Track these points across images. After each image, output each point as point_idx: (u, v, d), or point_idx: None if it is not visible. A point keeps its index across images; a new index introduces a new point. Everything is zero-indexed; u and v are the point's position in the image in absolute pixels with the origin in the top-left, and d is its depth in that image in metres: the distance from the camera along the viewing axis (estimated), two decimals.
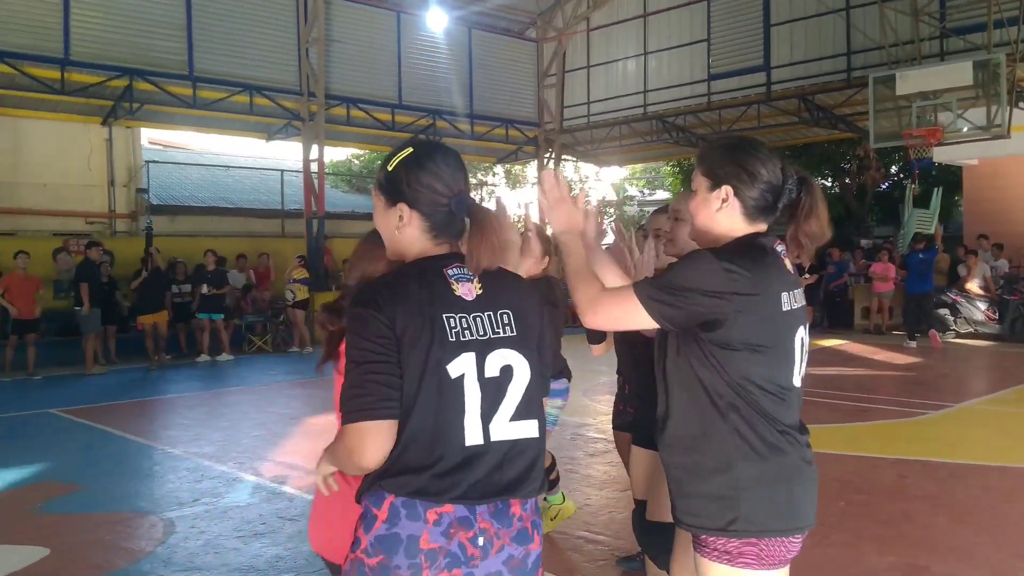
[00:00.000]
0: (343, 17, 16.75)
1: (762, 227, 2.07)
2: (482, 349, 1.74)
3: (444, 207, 1.81)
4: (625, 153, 22.24)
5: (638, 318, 1.96)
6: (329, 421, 8.38)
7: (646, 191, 33.36)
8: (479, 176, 29.55)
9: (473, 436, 1.70)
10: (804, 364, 2.04)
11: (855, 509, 5.18)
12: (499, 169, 29.09)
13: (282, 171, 19.78)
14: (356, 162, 28.87)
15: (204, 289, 13.46)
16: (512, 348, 1.78)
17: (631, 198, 31.66)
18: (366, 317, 1.67)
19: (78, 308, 11.66)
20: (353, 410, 1.65)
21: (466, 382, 1.71)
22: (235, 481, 6.06)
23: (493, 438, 1.72)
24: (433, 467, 1.67)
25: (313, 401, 9.56)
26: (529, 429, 1.77)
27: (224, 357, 13.43)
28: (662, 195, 31.28)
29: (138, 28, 14.26)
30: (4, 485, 6.06)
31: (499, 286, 1.82)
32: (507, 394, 1.76)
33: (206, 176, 20.97)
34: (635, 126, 19.57)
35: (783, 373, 1.97)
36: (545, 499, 4.74)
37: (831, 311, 17.68)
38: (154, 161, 18.41)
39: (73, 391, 10.57)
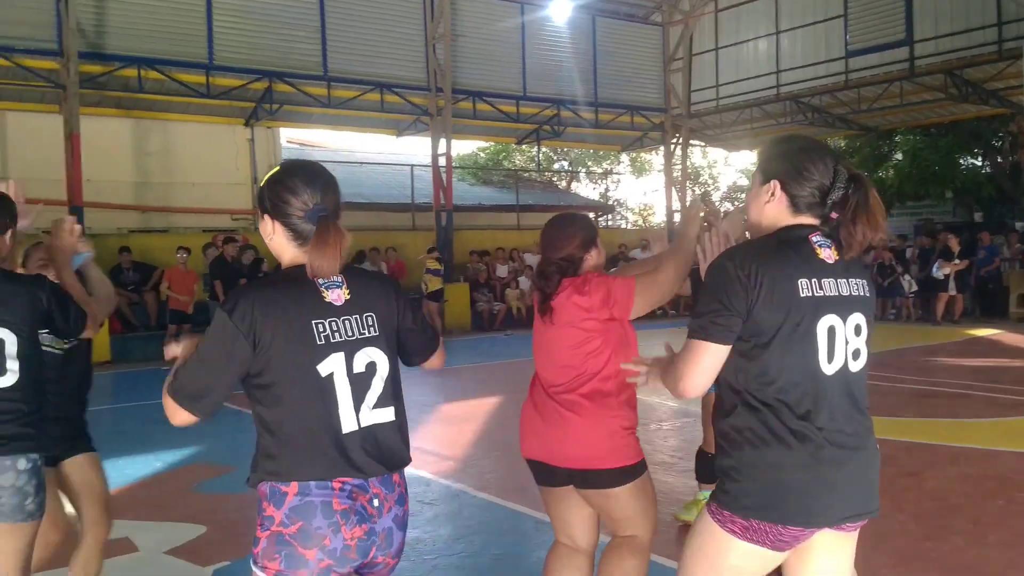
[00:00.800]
0: (468, 11, 16.96)
1: (807, 220, 2.14)
2: (350, 349, 2.00)
3: (302, 219, 2.02)
4: (756, 136, 21.54)
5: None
6: (462, 408, 8.52)
7: None
8: (604, 165, 29.37)
9: (348, 424, 1.98)
10: (845, 351, 2.04)
11: (1015, 508, 4.85)
12: (624, 157, 28.81)
13: (412, 166, 20.24)
14: (482, 155, 29.24)
15: None
16: (375, 346, 2.04)
17: None
18: (224, 323, 1.93)
19: (213, 301, 12.37)
20: (176, 390, 1.99)
21: (336, 379, 1.98)
22: None
23: (363, 424, 2.00)
24: (321, 454, 1.95)
25: (446, 389, 9.75)
26: (388, 415, 2.06)
27: None
28: None
29: (276, 32, 14.93)
30: (162, 466, 6.46)
31: (365, 289, 2.07)
32: (371, 386, 2.03)
33: (340, 172, 21.14)
34: (767, 108, 18.94)
35: (804, 359, 2.01)
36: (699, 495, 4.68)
37: (983, 299, 16.61)
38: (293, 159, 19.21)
39: None
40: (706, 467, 4.47)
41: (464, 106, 17.16)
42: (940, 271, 15.44)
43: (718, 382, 2.12)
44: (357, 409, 2.00)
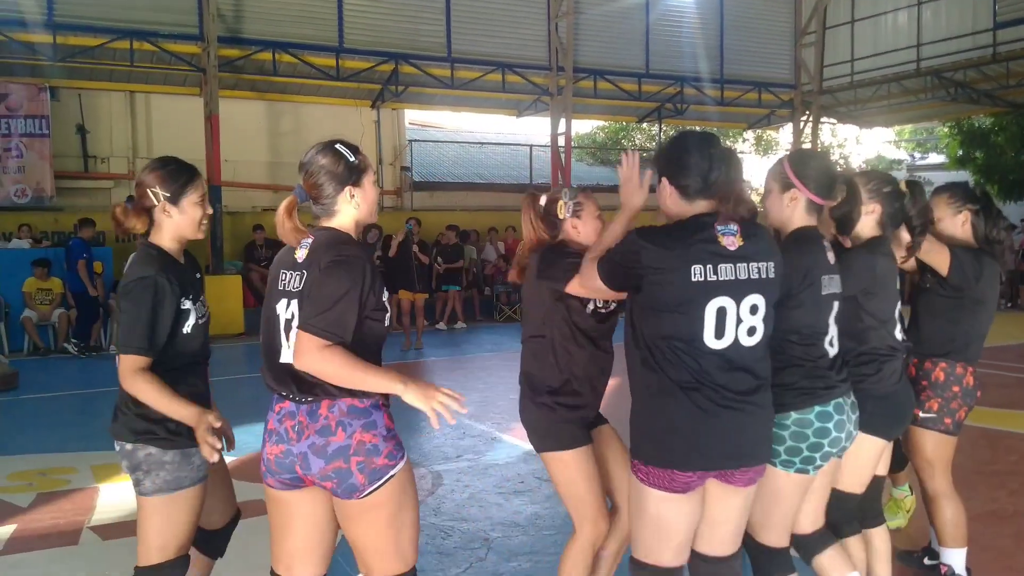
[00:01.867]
0: None
1: (704, 207, 2.41)
2: (288, 297, 2.41)
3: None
4: (893, 113, 20.48)
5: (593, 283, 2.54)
6: None
7: (917, 154, 30.55)
8: (727, 142, 28.59)
9: (285, 356, 2.39)
10: (736, 329, 2.32)
11: None
12: (749, 135, 27.97)
13: (531, 146, 20.28)
14: (601, 133, 28.97)
15: (439, 263, 13.91)
16: (294, 299, 2.38)
17: (899, 162, 29.15)
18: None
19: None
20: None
21: (280, 317, 2.42)
22: (494, 440, 6.35)
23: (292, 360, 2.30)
24: (268, 372, 2.46)
25: None
26: None
27: (459, 325, 14.12)
28: (936, 158, 28.55)
29: (402, 15, 15.21)
30: None
31: (314, 250, 2.40)
32: (293, 329, 2.34)
33: (461, 153, 22.02)
34: (906, 83, 17.92)
35: (689, 333, 2.31)
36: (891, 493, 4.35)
37: None
38: (416, 140, 19.58)
39: None
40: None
41: (585, 85, 17.02)
42: None
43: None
44: (288, 342, 2.38)
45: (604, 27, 16.97)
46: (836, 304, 2.68)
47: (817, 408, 2.59)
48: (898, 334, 3.05)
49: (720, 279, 2.30)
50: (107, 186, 15.49)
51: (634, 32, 17.30)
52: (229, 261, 14.11)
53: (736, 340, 2.34)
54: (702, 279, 2.29)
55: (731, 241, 2.32)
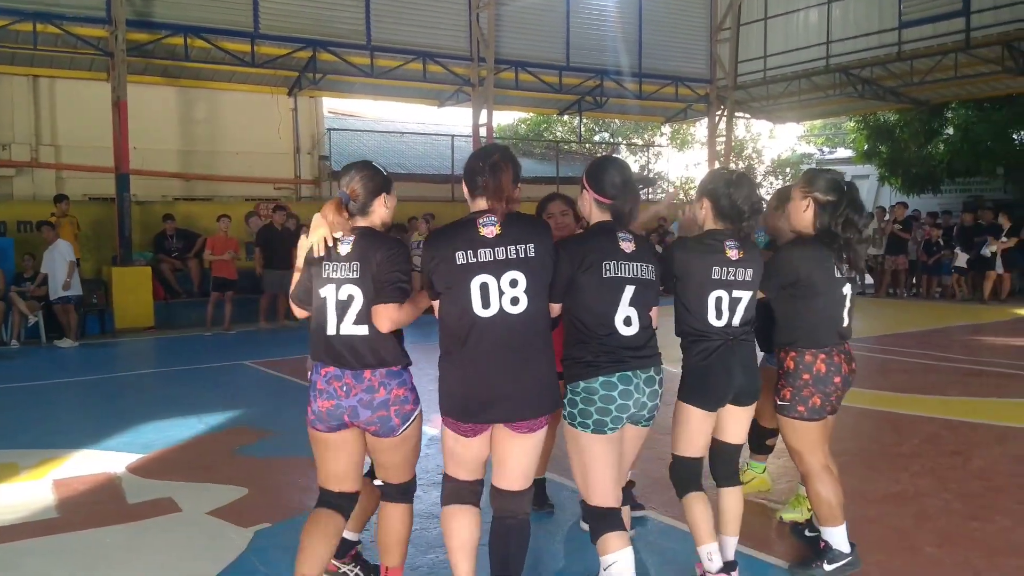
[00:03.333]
0: None
1: (480, 207, 3.03)
2: (338, 284, 3.02)
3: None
4: (804, 109, 21.09)
5: None
6: None
7: (826, 148, 31.58)
8: (646, 136, 29.03)
9: (331, 330, 3.03)
10: (500, 300, 2.88)
11: None
12: (666, 129, 28.45)
13: (452, 136, 20.19)
14: (523, 126, 29.06)
15: None
16: (354, 284, 3.01)
17: (809, 156, 30.08)
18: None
19: (266, 269, 12.58)
20: None
21: (328, 301, 3.04)
22: None
23: (342, 332, 3.02)
24: (318, 345, 3.07)
25: None
26: (362, 330, 3.01)
27: None
28: (843, 152, 29.54)
29: (320, 1, 14.88)
30: (206, 428, 6.57)
31: (362, 245, 3.02)
32: (349, 310, 3.01)
33: (381, 143, 21.77)
34: (816, 80, 18.50)
35: (461, 306, 2.90)
36: (748, 463, 4.66)
37: None
38: (335, 129, 19.28)
39: (264, 345, 11.32)
40: (754, 438, 4.43)
41: (506, 76, 17.02)
42: (987, 249, 15.05)
43: None
44: (339, 322, 3.02)
45: (525, 19, 16.99)
46: (630, 288, 3.07)
47: (601, 378, 3.02)
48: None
49: (479, 260, 2.88)
50: (8, 174, 14.80)
51: (555, 25, 17.38)
52: (138, 252, 13.62)
53: (502, 309, 2.89)
54: (464, 262, 2.89)
55: (490, 231, 2.91)
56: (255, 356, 10.10)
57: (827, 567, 3.55)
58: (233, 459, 5.73)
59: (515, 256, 2.90)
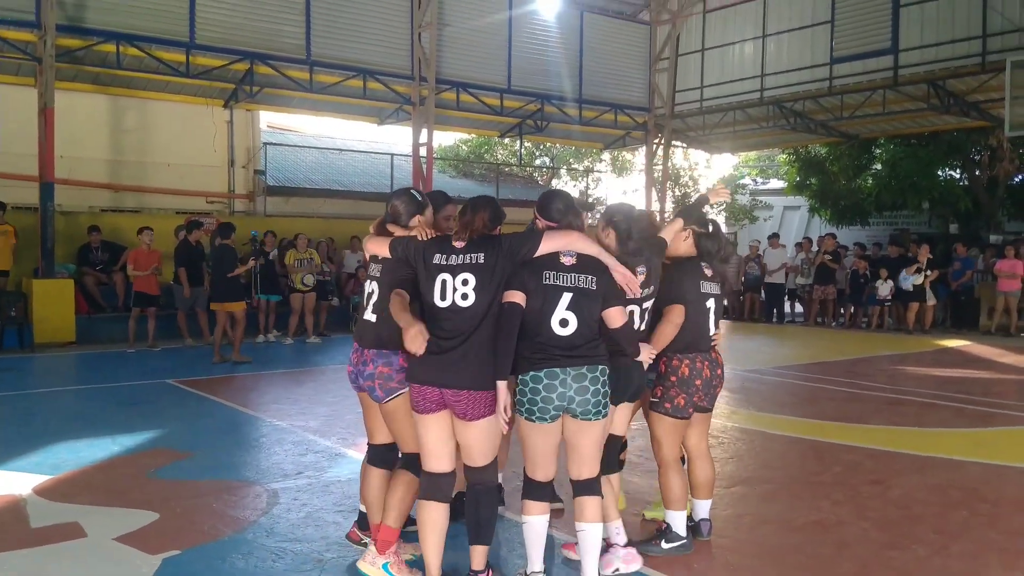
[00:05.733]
0: (455, 1, 16.74)
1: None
2: (371, 279, 3.93)
3: None
4: (739, 139, 21.58)
5: None
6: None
7: (759, 179, 32.31)
8: (586, 163, 29.30)
9: (364, 315, 3.90)
10: (453, 295, 3.51)
11: (978, 519, 4.85)
12: (606, 156, 28.76)
13: (392, 155, 20.06)
14: (464, 147, 29.07)
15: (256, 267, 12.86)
16: (375, 281, 3.90)
17: (743, 186, 30.71)
18: None
19: (175, 284, 12.25)
20: None
21: (365, 293, 3.95)
22: (338, 456, 6.15)
23: (364, 317, 3.89)
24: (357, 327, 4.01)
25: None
26: (372, 318, 3.83)
27: (312, 340, 13.31)
28: (776, 184, 30.26)
29: (260, 13, 14.62)
30: (121, 449, 6.32)
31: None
32: (371, 301, 3.86)
33: (320, 159, 21.52)
34: (750, 111, 18.94)
35: (429, 296, 3.57)
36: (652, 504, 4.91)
37: (956, 310, 16.76)
38: (271, 143, 19.01)
39: (189, 363, 11.00)
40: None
41: (447, 96, 16.99)
42: (908, 280, 15.51)
43: None
44: (368, 309, 3.87)
45: (467, 41, 17.00)
46: (568, 295, 3.54)
47: (531, 372, 3.52)
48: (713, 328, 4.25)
49: (446, 263, 3.56)
50: None
51: (497, 48, 17.43)
52: (61, 264, 13.15)
53: (454, 302, 3.50)
54: (437, 262, 3.57)
55: (459, 245, 3.58)
56: (178, 375, 9.80)
57: (664, 545, 4.15)
58: (146, 482, 5.50)
59: (468, 262, 3.54)
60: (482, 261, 3.53)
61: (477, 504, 3.62)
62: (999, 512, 5.04)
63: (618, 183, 31.02)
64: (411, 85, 16.48)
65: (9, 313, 11.93)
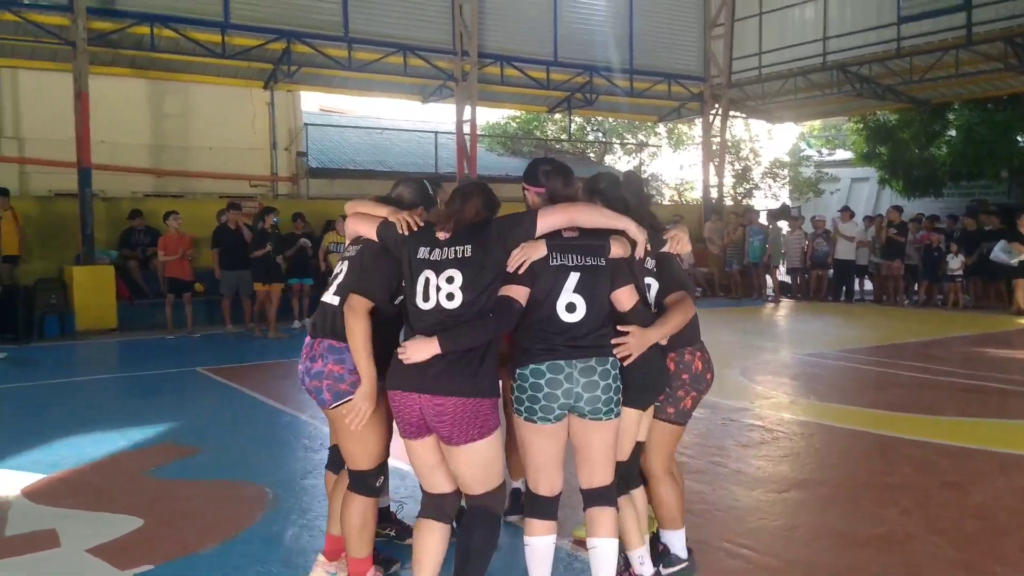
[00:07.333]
0: None
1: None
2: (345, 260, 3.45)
3: None
4: (801, 108, 20.48)
5: None
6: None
7: (824, 151, 30.92)
8: (639, 136, 28.40)
9: (326, 296, 3.39)
10: (437, 295, 2.99)
11: None
12: (661, 128, 27.82)
13: (436, 133, 19.58)
14: (513, 124, 28.40)
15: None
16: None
17: (807, 158, 29.40)
18: None
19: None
20: None
21: (336, 271, 3.45)
22: None
23: (325, 299, 3.36)
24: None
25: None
26: (334, 300, 3.31)
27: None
28: (843, 154, 28.92)
29: None
30: (126, 445, 5.96)
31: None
32: (336, 281, 3.38)
33: (364, 139, 21.15)
34: (813, 78, 17.88)
35: (411, 297, 3.06)
36: None
37: None
38: (313, 124, 18.66)
39: (224, 350, 10.73)
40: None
41: (491, 71, 16.40)
42: (1015, 256, 14.10)
43: None
44: (330, 289, 3.37)
45: (510, 11, 16.36)
46: (574, 276, 3.04)
47: (531, 366, 3.01)
48: None
49: (429, 258, 3.05)
50: None
51: (542, 18, 16.73)
52: (103, 250, 13.02)
53: (438, 303, 2.99)
54: (422, 257, 3.07)
55: (443, 234, 3.08)
56: (209, 362, 9.49)
57: (663, 571, 3.54)
58: (141, 482, 5.11)
59: (453, 257, 3.05)
60: (469, 255, 3.02)
61: (470, 530, 3.10)
62: None
63: (674, 157, 30.03)
64: (453, 60, 15.94)
65: (49, 301, 11.82)
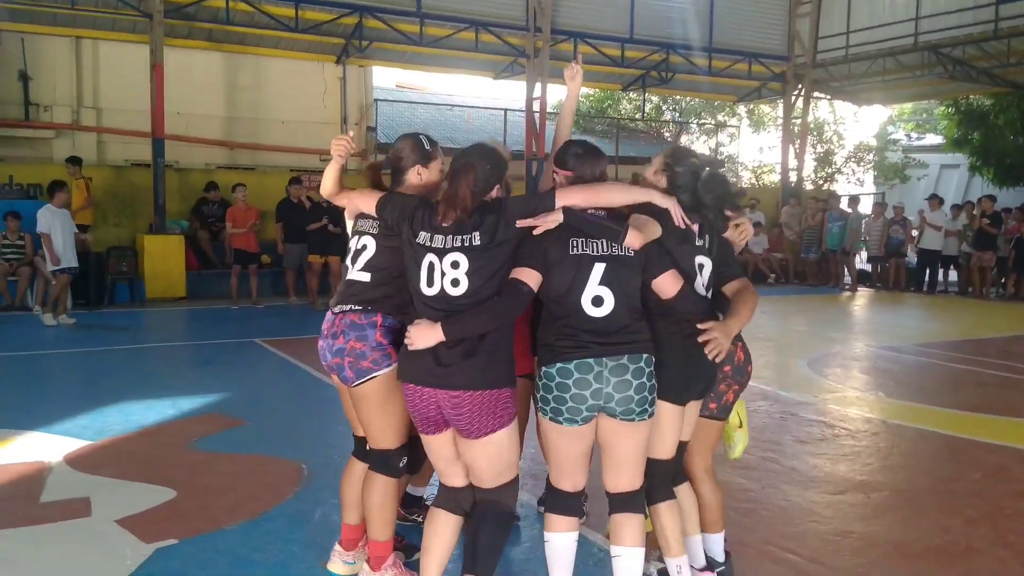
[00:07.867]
0: None
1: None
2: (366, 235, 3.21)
3: None
4: (890, 90, 19.57)
5: None
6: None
7: (914, 135, 29.56)
8: (720, 116, 27.63)
9: (351, 274, 3.20)
10: (441, 280, 2.82)
11: None
12: (741, 109, 26.99)
13: (505, 111, 19.37)
14: (585, 102, 27.91)
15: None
16: (368, 234, 3.18)
17: (895, 142, 28.15)
18: None
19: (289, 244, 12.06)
20: None
21: (358, 246, 3.21)
22: None
23: (349, 277, 3.20)
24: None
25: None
26: (363, 276, 3.14)
27: None
28: (932, 139, 27.62)
29: None
30: (175, 414, 6.00)
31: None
32: (362, 256, 3.16)
33: (434, 116, 21.08)
34: (903, 59, 17.00)
35: (415, 282, 2.91)
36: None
37: None
38: (384, 100, 18.65)
39: (285, 322, 10.82)
40: None
41: (564, 48, 16.08)
42: None
43: None
44: (352, 269, 3.17)
45: None
46: (599, 266, 2.82)
47: (559, 364, 2.80)
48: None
49: (431, 245, 2.87)
50: (48, 136, 14.60)
51: None
52: (174, 220, 13.27)
53: (443, 288, 2.82)
54: (423, 243, 2.89)
55: (445, 223, 2.89)
56: (269, 334, 9.56)
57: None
58: (184, 453, 5.12)
59: (458, 244, 2.87)
60: (477, 240, 2.82)
61: (479, 525, 2.94)
62: None
63: (754, 139, 29.12)
64: (526, 36, 15.69)
65: (120, 268, 12.10)
